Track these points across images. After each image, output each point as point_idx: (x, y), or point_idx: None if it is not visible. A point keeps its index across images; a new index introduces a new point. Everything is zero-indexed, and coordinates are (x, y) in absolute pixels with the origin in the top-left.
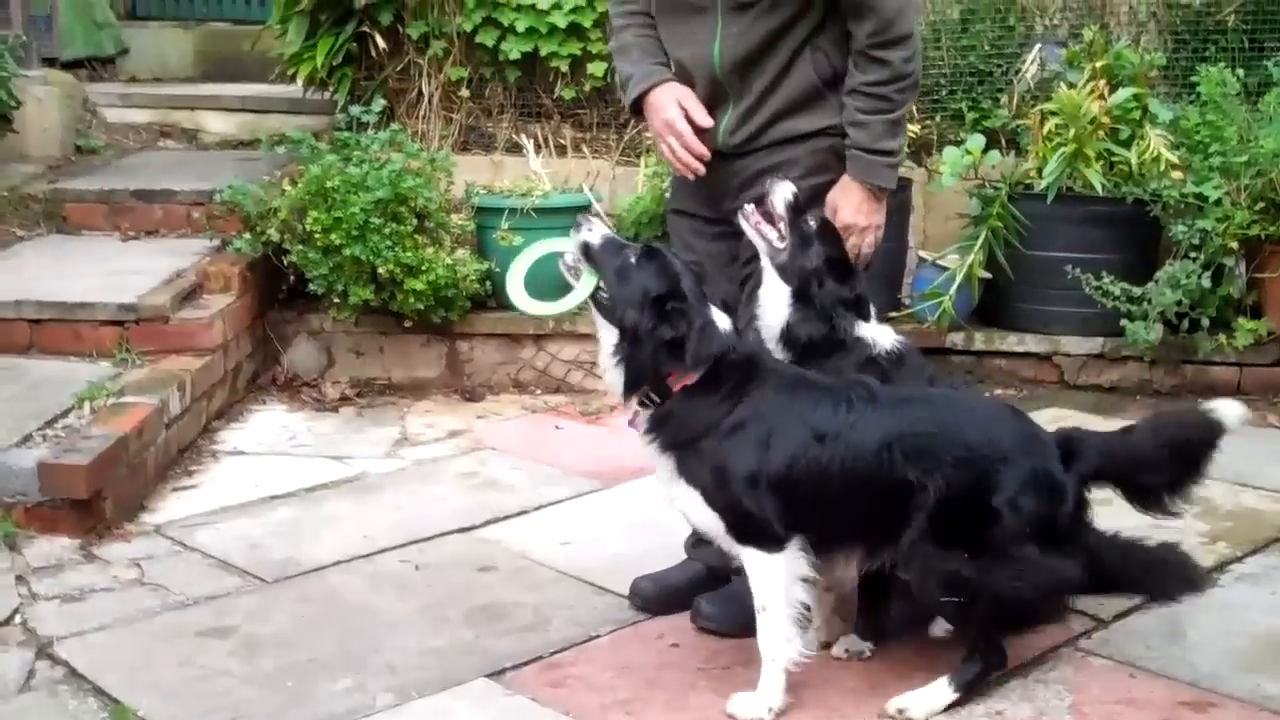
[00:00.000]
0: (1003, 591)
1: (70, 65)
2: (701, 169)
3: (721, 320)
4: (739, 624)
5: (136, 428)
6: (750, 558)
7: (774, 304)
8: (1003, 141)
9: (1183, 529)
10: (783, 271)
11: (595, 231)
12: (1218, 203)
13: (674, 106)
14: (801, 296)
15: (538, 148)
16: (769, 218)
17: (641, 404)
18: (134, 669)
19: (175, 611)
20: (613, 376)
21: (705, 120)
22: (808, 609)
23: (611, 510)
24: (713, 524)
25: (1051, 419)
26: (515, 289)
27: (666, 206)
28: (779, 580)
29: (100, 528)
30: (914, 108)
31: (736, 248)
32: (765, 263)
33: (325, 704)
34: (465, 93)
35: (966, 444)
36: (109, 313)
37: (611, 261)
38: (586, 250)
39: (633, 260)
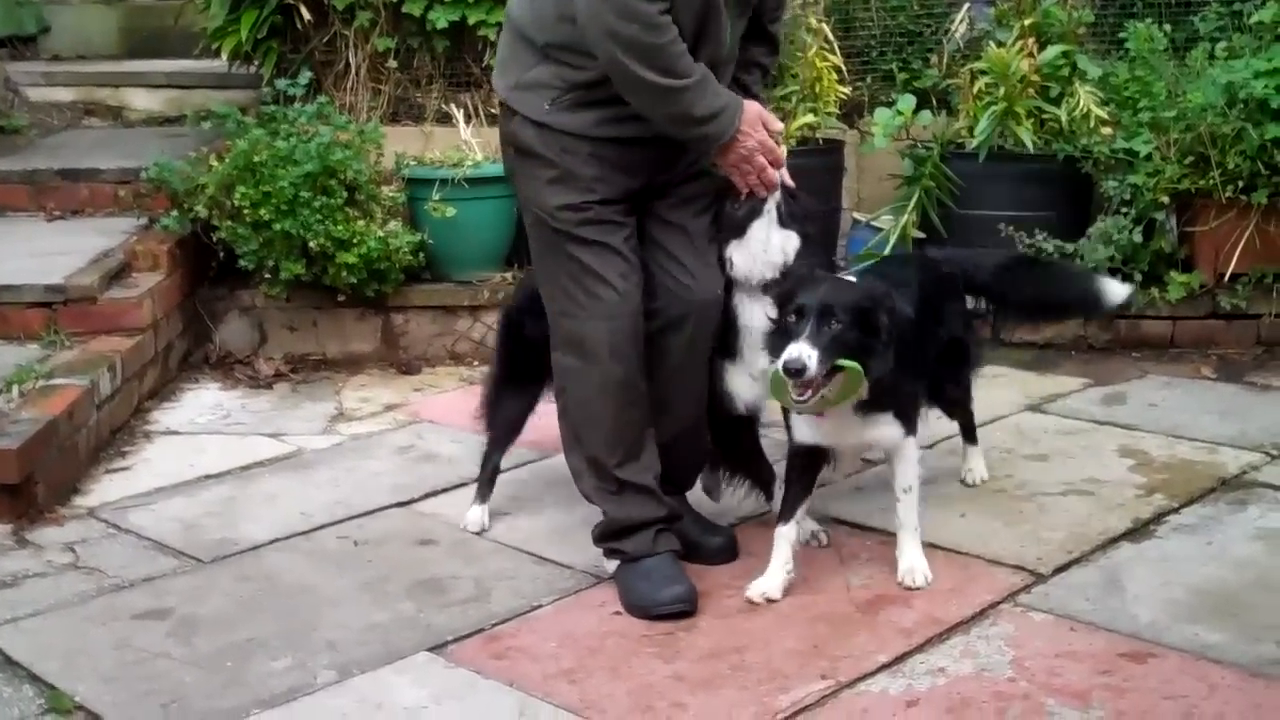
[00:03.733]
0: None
1: None
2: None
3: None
4: None
5: (67, 410)
6: (909, 447)
7: (783, 243)
8: (934, 101)
9: (1119, 482)
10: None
11: (806, 344)
12: (1148, 158)
13: (760, 128)
14: (805, 238)
15: (468, 117)
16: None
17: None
18: (70, 654)
19: (111, 595)
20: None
21: (778, 125)
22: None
23: (550, 479)
24: (895, 435)
25: (987, 376)
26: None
27: (571, 206)
28: (919, 461)
29: (32, 512)
30: (845, 69)
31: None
32: (774, 212)
33: (265, 683)
34: (393, 63)
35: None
36: (36, 294)
37: (839, 336)
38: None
39: (846, 317)
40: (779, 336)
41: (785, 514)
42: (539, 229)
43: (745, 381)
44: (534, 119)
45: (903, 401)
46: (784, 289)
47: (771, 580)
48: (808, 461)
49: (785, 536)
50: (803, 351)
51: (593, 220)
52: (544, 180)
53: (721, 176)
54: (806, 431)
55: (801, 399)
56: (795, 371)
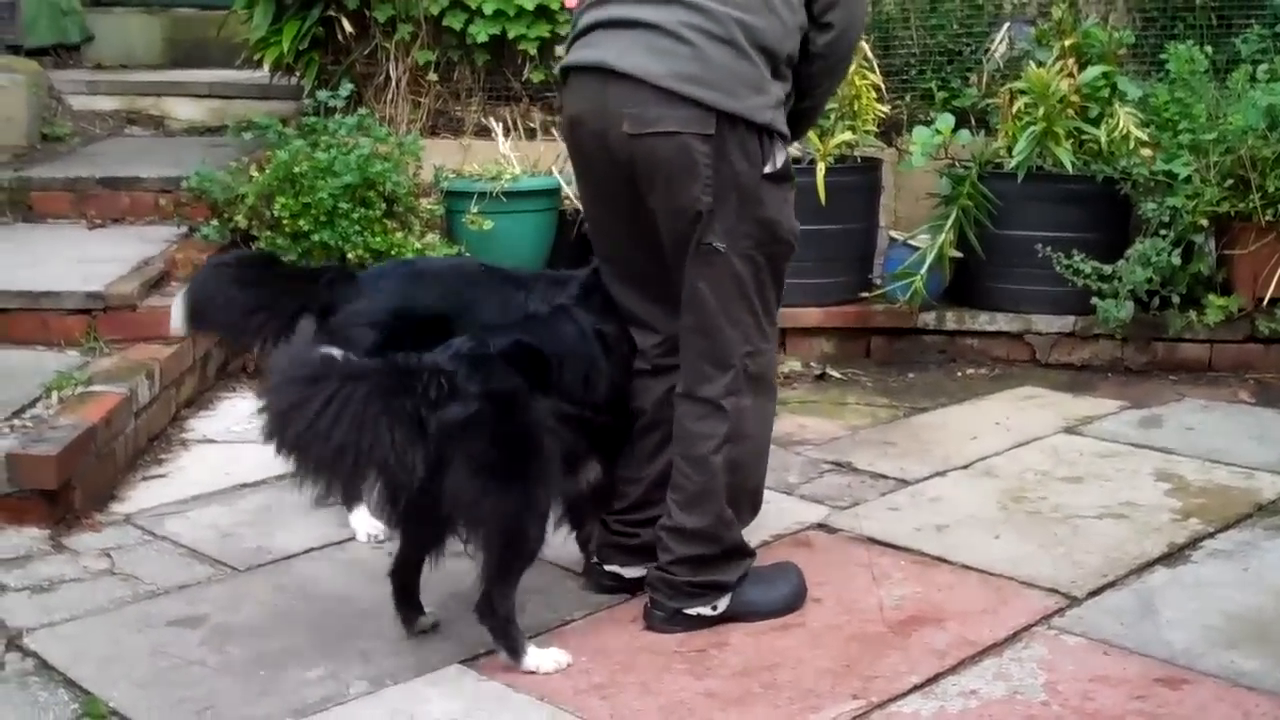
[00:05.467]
0: None
1: (35, 53)
2: None
3: None
4: None
5: (105, 417)
6: None
7: None
8: (972, 121)
9: (1155, 505)
10: None
11: None
12: (1187, 180)
13: None
14: None
15: (506, 131)
16: None
17: None
18: (105, 660)
19: (146, 601)
20: None
21: None
22: None
23: None
24: None
25: (1024, 397)
26: None
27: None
28: None
29: (69, 518)
30: (884, 87)
31: None
32: None
33: (298, 692)
34: (433, 76)
35: None
36: (76, 301)
37: None
38: None
39: None
40: None
41: None
42: (765, 258)
43: None
44: (785, 135)
45: None
46: None
47: None
48: None
49: None
50: None
51: None
52: (791, 202)
53: None
54: None
55: None
56: None
